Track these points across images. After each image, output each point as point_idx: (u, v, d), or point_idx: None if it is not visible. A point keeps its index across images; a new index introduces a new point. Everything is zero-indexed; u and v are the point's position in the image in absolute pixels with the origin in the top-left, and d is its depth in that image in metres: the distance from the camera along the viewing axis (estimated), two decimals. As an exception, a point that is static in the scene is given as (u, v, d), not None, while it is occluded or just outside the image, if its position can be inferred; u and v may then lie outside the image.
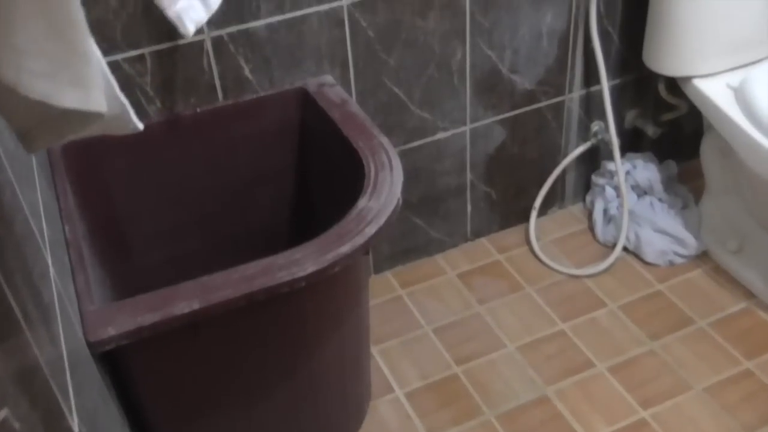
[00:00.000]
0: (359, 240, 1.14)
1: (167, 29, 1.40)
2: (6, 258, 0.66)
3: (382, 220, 1.17)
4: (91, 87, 0.53)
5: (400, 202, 1.23)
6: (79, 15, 0.54)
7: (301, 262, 1.09)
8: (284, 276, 1.07)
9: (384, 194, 1.23)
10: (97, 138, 1.43)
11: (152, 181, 1.50)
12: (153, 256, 1.55)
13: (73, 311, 0.99)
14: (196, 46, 1.44)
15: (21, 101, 0.52)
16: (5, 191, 0.76)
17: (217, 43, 1.45)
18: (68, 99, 0.51)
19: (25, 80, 0.50)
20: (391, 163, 1.30)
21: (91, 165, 1.44)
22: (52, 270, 0.92)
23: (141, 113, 1.46)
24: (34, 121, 0.56)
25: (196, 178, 1.54)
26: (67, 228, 1.19)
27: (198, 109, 1.49)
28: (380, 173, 1.28)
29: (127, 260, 1.53)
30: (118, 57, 1.39)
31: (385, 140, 1.35)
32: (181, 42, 1.43)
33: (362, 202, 1.21)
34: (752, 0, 1.63)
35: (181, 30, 0.54)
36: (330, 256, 1.10)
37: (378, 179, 1.26)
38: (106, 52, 1.38)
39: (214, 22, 1.42)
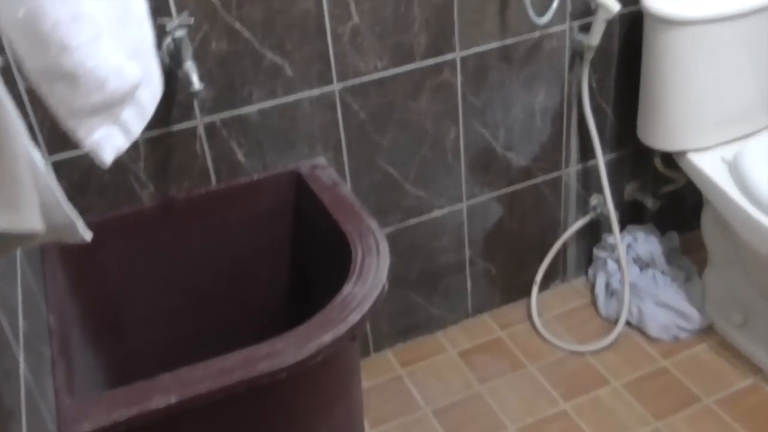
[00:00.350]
0: (342, 328, 1.12)
1: (160, 116, 1.42)
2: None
3: (366, 307, 1.16)
4: (22, 207, 0.54)
5: (386, 287, 1.22)
6: (8, 139, 0.54)
7: (282, 353, 1.08)
8: (264, 368, 1.06)
9: (370, 279, 1.22)
10: (90, 223, 1.45)
11: (146, 265, 1.50)
12: (147, 339, 1.55)
13: (47, 407, 0.98)
14: (189, 132, 1.46)
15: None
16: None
17: (210, 128, 1.47)
18: None
19: None
20: (378, 247, 1.29)
21: (85, 249, 1.43)
22: (23, 367, 0.91)
23: (134, 198, 1.48)
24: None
25: (191, 261, 1.54)
26: (51, 317, 1.19)
27: (191, 193, 1.50)
28: (367, 258, 1.27)
29: (120, 343, 1.52)
30: (111, 144, 1.41)
31: (373, 224, 1.35)
32: (174, 128, 1.45)
33: (347, 288, 1.20)
34: (741, 75, 1.63)
35: (98, 161, 0.54)
36: (312, 346, 1.09)
37: (364, 264, 1.25)
38: (98, 140, 1.40)
39: (207, 108, 1.45)
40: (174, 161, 1.48)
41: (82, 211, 1.44)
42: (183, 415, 1.04)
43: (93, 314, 1.44)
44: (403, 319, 1.87)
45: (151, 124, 1.42)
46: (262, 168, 1.55)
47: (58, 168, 1.39)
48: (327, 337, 1.10)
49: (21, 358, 0.92)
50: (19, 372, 0.88)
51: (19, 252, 1.15)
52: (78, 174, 1.41)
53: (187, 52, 1.32)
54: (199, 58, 1.39)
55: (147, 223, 1.50)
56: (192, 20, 1.33)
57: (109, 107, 0.55)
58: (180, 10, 1.34)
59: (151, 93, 0.60)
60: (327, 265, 1.46)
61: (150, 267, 1.50)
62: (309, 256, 1.58)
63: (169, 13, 1.34)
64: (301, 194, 1.54)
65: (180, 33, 1.30)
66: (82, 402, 1.03)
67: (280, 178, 1.55)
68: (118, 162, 1.43)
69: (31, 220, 0.55)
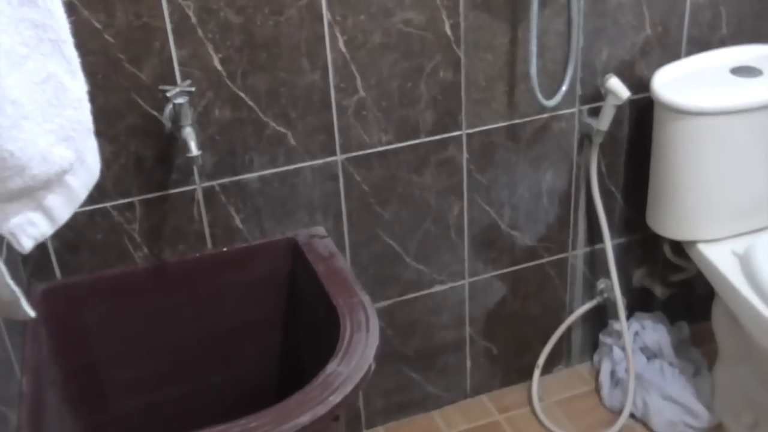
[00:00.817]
0: (322, 409, 1.08)
1: (158, 179, 1.41)
2: None
3: (348, 388, 1.12)
4: None
5: (373, 367, 1.18)
6: None
7: (256, 432, 1.04)
8: (235, 447, 1.02)
9: (356, 358, 1.18)
10: (79, 282, 1.43)
11: (133, 327, 1.47)
12: (129, 403, 1.51)
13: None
14: (187, 196, 1.45)
15: None
16: None
17: (208, 193, 1.46)
18: None
19: None
20: (368, 323, 1.26)
21: (71, 308, 1.42)
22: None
23: (127, 259, 1.46)
24: None
25: (180, 326, 1.51)
26: (25, 380, 1.16)
27: (184, 257, 1.48)
28: (355, 334, 1.23)
29: (101, 407, 1.49)
30: (108, 204, 1.40)
31: (366, 299, 1.31)
32: (171, 191, 1.44)
33: (331, 366, 1.16)
34: (753, 168, 1.60)
35: (17, 247, 0.52)
36: (287, 427, 1.05)
37: (352, 341, 1.22)
38: (95, 200, 1.39)
39: (206, 173, 1.44)
40: (170, 224, 1.46)
41: (74, 270, 1.43)
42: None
43: (75, 376, 1.41)
44: (397, 395, 1.82)
45: (149, 187, 1.42)
46: (260, 234, 1.53)
47: (53, 225, 1.38)
48: (305, 418, 1.06)
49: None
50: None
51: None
52: (72, 233, 1.39)
53: (187, 118, 1.31)
54: (201, 124, 1.39)
55: (137, 285, 1.48)
56: (194, 88, 1.33)
57: (30, 193, 0.52)
58: (185, 77, 1.34)
59: (84, 177, 0.58)
60: (316, 338, 1.43)
61: (137, 330, 1.47)
62: (300, 326, 1.55)
63: (173, 81, 1.34)
64: (296, 263, 1.51)
65: (181, 100, 1.30)
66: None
67: (276, 245, 1.52)
68: (113, 222, 1.42)
69: None
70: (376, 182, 1.56)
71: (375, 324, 1.26)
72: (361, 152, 1.52)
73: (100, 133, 1.34)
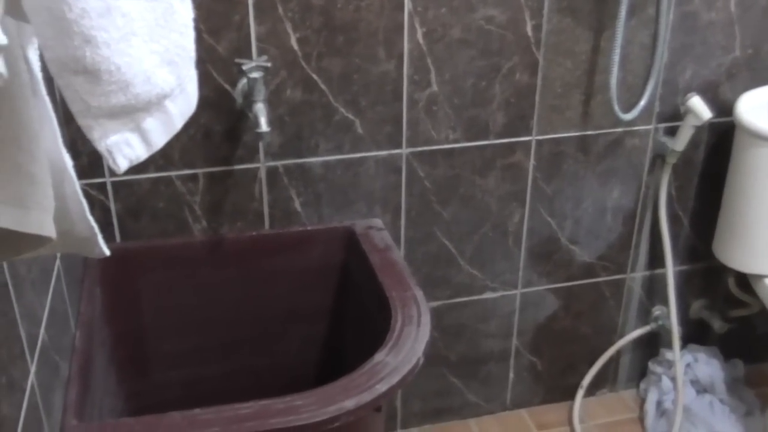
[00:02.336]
0: (367, 396, 1.07)
1: (224, 154, 1.42)
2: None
3: (395, 379, 1.10)
4: (34, 209, 0.51)
5: (421, 361, 1.16)
6: (32, 142, 0.52)
7: (298, 411, 1.03)
8: (277, 423, 1.01)
9: (405, 350, 1.17)
10: (136, 248, 1.44)
11: (184, 299, 1.48)
12: (171, 374, 1.51)
13: (50, 424, 0.95)
14: (251, 174, 1.45)
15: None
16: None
17: (272, 173, 1.46)
18: (5, 219, 0.49)
19: None
20: (420, 318, 1.24)
21: (126, 273, 1.43)
22: (32, 378, 0.88)
23: (185, 230, 1.46)
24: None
25: (229, 304, 1.51)
26: (78, 334, 1.17)
27: (242, 234, 1.48)
28: (406, 327, 1.22)
29: (144, 374, 1.49)
30: (173, 173, 1.41)
31: (419, 293, 1.30)
32: (236, 167, 1.44)
33: (379, 356, 1.15)
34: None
35: (112, 166, 0.52)
36: (331, 409, 1.04)
37: (402, 334, 1.20)
38: (161, 168, 1.40)
39: (272, 153, 1.43)
40: (230, 200, 1.46)
41: (133, 236, 1.44)
42: (185, 458, 0.99)
43: (123, 340, 1.42)
44: (436, 399, 1.79)
45: (214, 160, 1.42)
46: (318, 220, 1.52)
47: (117, 189, 1.39)
48: (349, 403, 1.05)
49: (32, 369, 0.89)
50: (26, 383, 0.85)
51: (58, 264, 1.14)
52: (134, 198, 1.41)
53: (260, 94, 1.31)
54: (272, 103, 1.38)
55: (192, 257, 1.48)
56: (269, 64, 1.33)
57: (130, 113, 0.52)
58: (261, 53, 1.35)
59: (183, 106, 0.58)
60: (364, 330, 1.41)
61: (187, 302, 1.48)
62: (348, 317, 1.54)
63: (249, 56, 1.35)
64: (351, 252, 1.50)
65: (256, 74, 1.30)
66: (87, 427, 0.99)
67: (333, 233, 1.52)
68: (176, 192, 1.43)
69: (40, 223, 0.52)
70: (439, 180, 1.54)
71: (427, 320, 1.24)
72: (426, 148, 1.50)
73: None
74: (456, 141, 1.51)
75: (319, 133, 1.44)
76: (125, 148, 0.53)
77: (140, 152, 0.54)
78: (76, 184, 0.64)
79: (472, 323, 1.73)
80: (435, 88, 1.45)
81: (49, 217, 0.54)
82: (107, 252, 0.69)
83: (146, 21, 0.51)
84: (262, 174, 1.45)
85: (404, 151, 1.50)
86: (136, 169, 1.29)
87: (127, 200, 1.41)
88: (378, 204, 1.54)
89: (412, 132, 1.48)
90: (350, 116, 1.44)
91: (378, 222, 1.53)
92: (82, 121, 0.51)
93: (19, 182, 0.50)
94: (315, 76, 1.39)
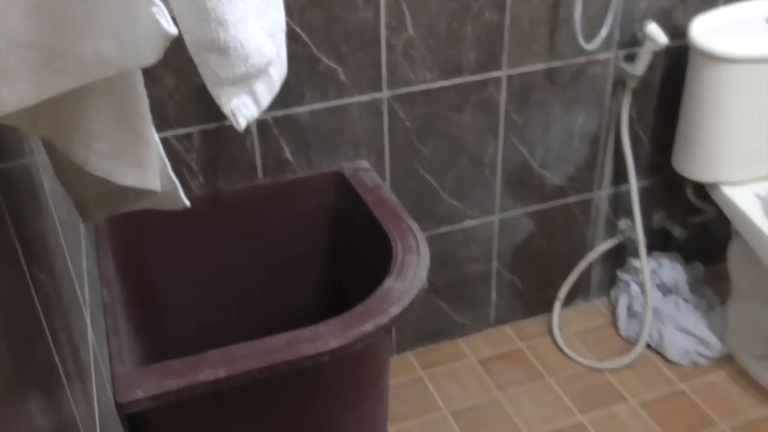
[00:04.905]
0: (383, 319, 1.18)
1: (216, 111, 1.49)
2: (53, 316, 0.72)
3: (406, 302, 1.21)
4: (148, 167, 0.60)
5: (426, 285, 1.27)
6: (144, 107, 0.61)
7: (324, 338, 1.13)
8: (308, 350, 1.11)
9: (410, 276, 1.28)
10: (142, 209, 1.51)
11: (190, 254, 1.56)
12: (184, 325, 1.60)
13: (105, 372, 1.04)
14: (242, 127, 1.52)
15: (85, 177, 0.58)
16: (57, 256, 0.82)
17: (262, 125, 1.54)
18: (128, 177, 0.58)
19: (92, 159, 0.57)
20: (418, 247, 1.35)
21: (135, 233, 1.51)
22: (90, 331, 0.98)
23: (185, 187, 1.52)
24: (93, 195, 0.63)
25: (232, 254, 1.59)
26: (105, 291, 1.25)
27: (238, 186, 1.56)
28: (407, 256, 1.32)
29: (158, 327, 1.58)
30: (169, 134, 1.48)
31: (414, 225, 1.40)
32: (228, 123, 1.51)
33: (388, 283, 1.25)
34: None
35: (235, 125, 0.64)
36: (353, 333, 1.15)
37: (405, 262, 1.31)
38: (158, 128, 1.46)
39: (261, 105, 1.51)
40: (225, 154, 1.54)
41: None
42: (228, 390, 1.10)
43: (136, 296, 1.50)
44: (427, 323, 1.93)
45: (207, 118, 1.49)
46: (308, 167, 1.61)
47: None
48: (368, 326, 1.15)
49: (88, 322, 0.99)
50: (88, 335, 0.94)
51: (82, 226, 1.21)
52: (136, 158, 1.47)
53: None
54: (259, 57, 1.45)
55: (194, 212, 1.55)
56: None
57: (247, 79, 0.63)
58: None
59: (279, 70, 0.69)
60: (366, 264, 1.52)
61: (193, 256, 1.56)
62: (347, 256, 1.64)
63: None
64: (343, 194, 1.60)
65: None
66: (135, 370, 1.09)
67: (324, 177, 1.61)
68: (172, 151, 1.50)
69: (153, 179, 0.61)
70: (418, 119, 1.64)
71: (425, 248, 1.35)
72: (405, 89, 1.60)
73: (164, 64, 1.42)
74: (433, 81, 1.60)
75: (304, 82, 1.52)
76: (243, 109, 0.63)
77: (253, 111, 0.64)
78: (159, 145, 0.73)
79: (455, 250, 1.85)
80: (411, 32, 1.54)
81: (158, 174, 0.63)
82: (188, 203, 0.78)
83: (254, 3, 0.61)
84: (254, 127, 1.53)
85: (385, 94, 1.59)
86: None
87: (128, 162, 1.48)
88: (363, 147, 1.63)
89: (392, 75, 1.57)
90: (333, 65, 1.52)
91: (364, 164, 1.63)
92: (213, 90, 0.61)
93: (139, 146, 0.59)
94: (298, 29, 1.46)
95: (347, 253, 1.63)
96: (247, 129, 1.53)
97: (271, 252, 1.62)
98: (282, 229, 1.61)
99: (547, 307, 2.03)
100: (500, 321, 2.01)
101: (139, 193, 0.63)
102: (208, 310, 1.63)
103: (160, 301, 1.59)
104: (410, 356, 1.93)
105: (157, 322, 1.59)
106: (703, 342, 1.86)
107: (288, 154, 1.59)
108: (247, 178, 1.58)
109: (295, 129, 1.57)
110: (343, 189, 1.59)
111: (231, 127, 1.52)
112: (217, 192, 1.56)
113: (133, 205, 0.65)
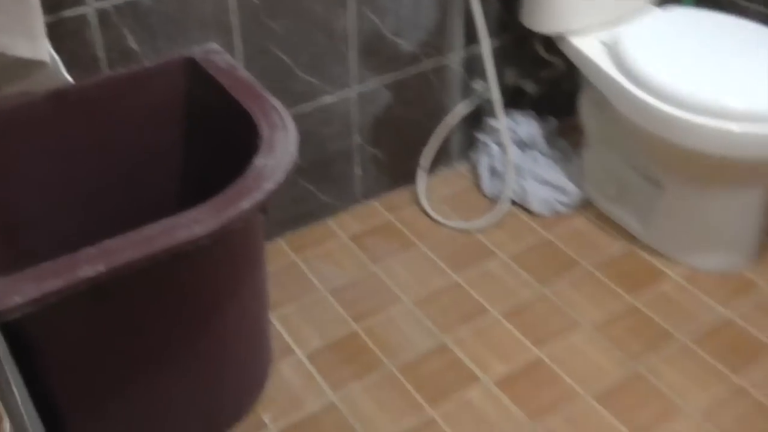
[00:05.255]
0: (258, 196, 1.16)
1: (51, 3, 1.36)
2: None
3: (279, 177, 1.20)
4: (39, 38, 0.55)
5: (297, 158, 1.26)
6: None
7: (201, 221, 1.10)
8: (185, 235, 1.08)
9: (279, 152, 1.25)
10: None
11: (34, 161, 1.45)
12: (37, 237, 1.51)
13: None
14: (80, 20, 1.41)
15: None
16: None
17: (102, 15, 1.43)
18: (22, 49, 0.53)
19: None
20: (284, 123, 1.32)
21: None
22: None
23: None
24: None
25: (81, 156, 1.49)
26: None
27: (82, 84, 1.46)
28: (275, 133, 1.30)
29: (10, 244, 1.48)
30: None
31: (277, 102, 1.37)
32: (64, 14, 1.39)
33: (259, 161, 1.23)
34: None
35: None
36: (230, 212, 1.12)
37: (273, 138, 1.28)
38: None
39: (95, -8, 1.41)
40: (64, 49, 1.42)
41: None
42: (109, 285, 1.06)
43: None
44: (293, 207, 1.91)
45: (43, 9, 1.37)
46: (155, 55, 1.53)
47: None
48: (245, 203, 1.14)
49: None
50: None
51: None
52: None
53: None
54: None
55: (37, 116, 1.45)
56: None
57: None
58: None
59: None
60: (229, 150, 1.47)
61: (37, 163, 1.45)
62: (205, 145, 1.58)
63: None
64: (196, 80, 1.52)
65: None
66: (8, 278, 1.03)
67: (173, 64, 1.52)
68: (4, 49, 1.38)
69: (44, 50, 0.56)
70: (266, -5, 1.58)
71: (291, 124, 1.32)
72: (248, -37, 1.53)
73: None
74: (276, -48, 1.54)
75: (139, -37, 1.42)
76: None
77: None
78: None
79: (315, 129, 1.83)
80: None
81: (47, 45, 0.57)
82: (70, 79, 0.72)
83: None
84: (93, 17, 1.43)
85: (227, -30, 1.51)
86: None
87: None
88: (211, 29, 1.56)
89: (232, -51, 1.49)
90: (167, -59, 1.43)
91: (215, 46, 1.55)
92: None
93: (30, 16, 0.53)
94: None
95: (206, 143, 1.58)
96: (86, 20, 1.42)
97: (127, 150, 1.54)
98: (133, 125, 1.52)
99: (411, 177, 2.06)
100: (367, 196, 2.02)
101: (32, 66, 0.57)
102: (61, 218, 1.53)
103: (8, 216, 1.48)
104: (281, 242, 1.92)
105: (9, 239, 1.49)
106: (563, 190, 1.95)
107: (133, 44, 1.50)
108: (91, 73, 1.48)
109: (138, 16, 1.47)
110: (196, 74, 1.52)
111: (69, 20, 1.40)
112: (60, 92, 1.45)
113: (25, 77, 0.59)
